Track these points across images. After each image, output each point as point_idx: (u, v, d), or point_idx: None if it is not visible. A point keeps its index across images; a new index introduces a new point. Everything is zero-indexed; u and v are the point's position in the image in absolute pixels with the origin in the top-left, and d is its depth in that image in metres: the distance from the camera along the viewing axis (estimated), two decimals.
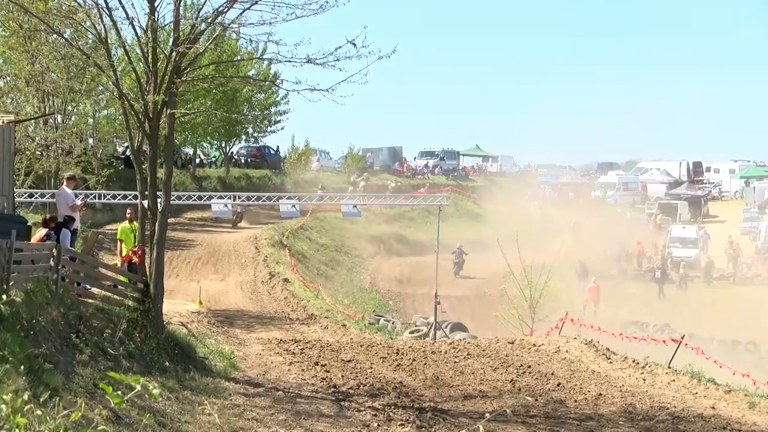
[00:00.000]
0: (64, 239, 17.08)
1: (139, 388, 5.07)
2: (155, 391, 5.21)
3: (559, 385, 18.53)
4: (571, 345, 23.18)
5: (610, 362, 21.15)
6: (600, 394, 17.59)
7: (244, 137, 61.60)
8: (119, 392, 5.09)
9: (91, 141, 49.29)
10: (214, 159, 65.03)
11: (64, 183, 21.14)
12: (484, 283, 43.40)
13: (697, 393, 17.92)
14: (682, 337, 21.27)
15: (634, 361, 20.85)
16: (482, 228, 53.07)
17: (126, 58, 19.77)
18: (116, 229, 26.39)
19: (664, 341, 21.90)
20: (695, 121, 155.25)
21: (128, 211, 24.92)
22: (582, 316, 29.62)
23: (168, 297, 19.93)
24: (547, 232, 50.01)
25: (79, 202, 20.93)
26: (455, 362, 21.11)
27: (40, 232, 17.78)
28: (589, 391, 17.90)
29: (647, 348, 22.17)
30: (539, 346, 23.39)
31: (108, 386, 5.10)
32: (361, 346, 23.64)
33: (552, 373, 19.74)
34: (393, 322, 34.97)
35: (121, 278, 18.74)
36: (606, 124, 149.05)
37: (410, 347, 23.53)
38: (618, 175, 71.83)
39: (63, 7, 18.69)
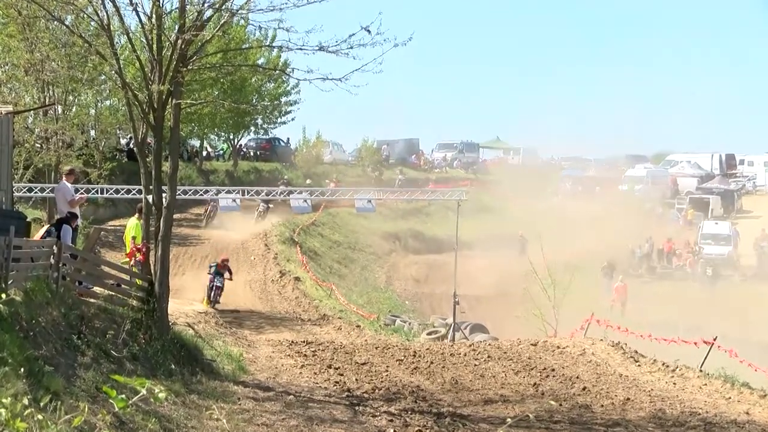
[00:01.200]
0: (65, 236, 17.13)
1: (144, 392, 5.07)
2: (161, 395, 5.21)
3: (584, 389, 18.48)
4: (597, 347, 23.12)
5: (639, 365, 21.08)
6: (628, 399, 17.53)
7: (253, 129, 61.73)
8: (123, 396, 5.09)
9: (93, 133, 49.45)
10: (221, 152, 65.11)
11: (64, 177, 21.23)
12: (505, 282, 43.31)
13: (730, 398, 17.84)
14: (715, 339, 21.17)
15: (663, 364, 20.76)
16: (502, 224, 52.94)
17: (129, 45, 19.74)
18: (119, 225, 26.45)
19: (695, 343, 21.79)
20: (728, 111, 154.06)
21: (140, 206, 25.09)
22: (609, 316, 29.49)
23: (174, 296, 19.95)
24: (570, 228, 49.83)
25: (78, 197, 21.02)
26: (475, 365, 21.10)
27: (42, 231, 17.87)
28: (616, 396, 17.84)
29: (678, 350, 22.07)
30: (564, 348, 23.34)
31: (111, 389, 5.10)
32: (376, 348, 23.66)
33: (577, 377, 19.69)
34: (410, 323, 34.98)
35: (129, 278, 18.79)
36: (634, 115, 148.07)
37: (428, 349, 23.53)
38: (646, 169, 71.29)
39: None
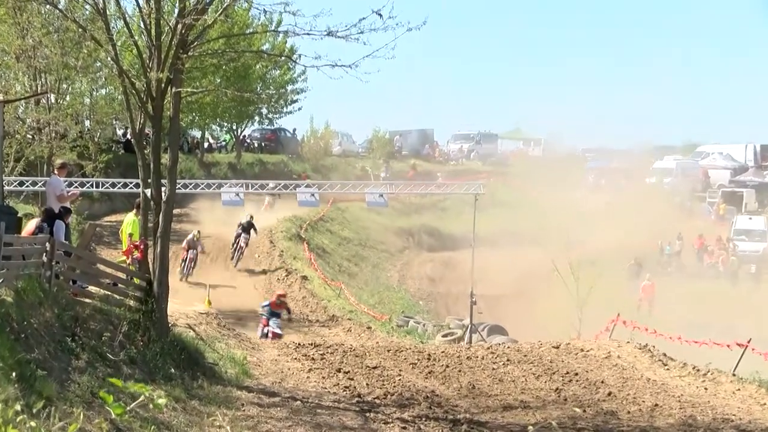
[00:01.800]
0: (58, 232, 17.14)
1: (143, 397, 5.08)
2: (161, 401, 5.22)
3: (610, 394, 18.46)
4: (623, 350, 23.09)
5: (668, 369, 21.05)
6: (656, 405, 17.50)
7: (257, 119, 61.63)
8: (121, 402, 5.10)
9: (87, 123, 49.48)
10: (224, 143, 65.19)
11: (56, 171, 21.29)
12: (525, 281, 43.24)
13: (765, 404, 17.80)
14: (749, 341, 21.10)
15: (694, 367, 20.73)
16: (523, 219, 52.84)
17: (126, 30, 19.77)
18: (115, 221, 26.49)
19: (728, 345, 21.75)
20: (762, 99, 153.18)
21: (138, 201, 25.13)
22: (636, 317, 29.44)
23: (173, 296, 19.94)
24: (594, 223, 49.67)
25: (68, 192, 21.06)
26: (493, 369, 21.09)
27: (31, 225, 17.87)
28: (643, 402, 17.82)
29: (709, 353, 22.03)
30: (587, 350, 23.31)
31: (108, 395, 5.10)
32: (388, 350, 23.64)
33: (602, 381, 19.67)
34: (424, 325, 35.00)
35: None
36: (662, 103, 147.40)
37: (443, 352, 23.51)
38: (676, 160, 71.03)
39: None
